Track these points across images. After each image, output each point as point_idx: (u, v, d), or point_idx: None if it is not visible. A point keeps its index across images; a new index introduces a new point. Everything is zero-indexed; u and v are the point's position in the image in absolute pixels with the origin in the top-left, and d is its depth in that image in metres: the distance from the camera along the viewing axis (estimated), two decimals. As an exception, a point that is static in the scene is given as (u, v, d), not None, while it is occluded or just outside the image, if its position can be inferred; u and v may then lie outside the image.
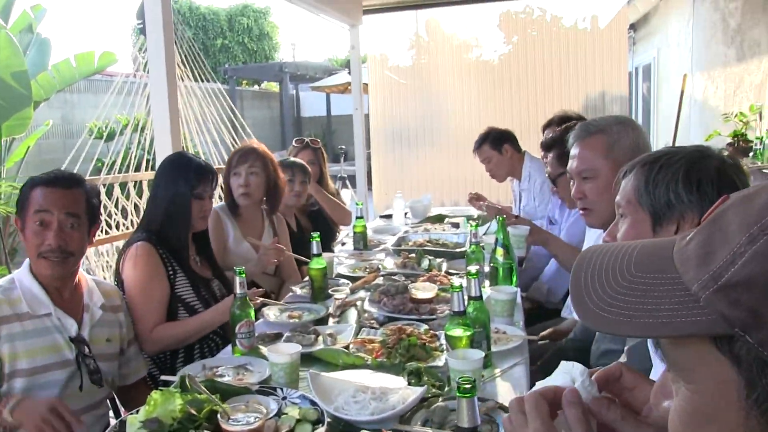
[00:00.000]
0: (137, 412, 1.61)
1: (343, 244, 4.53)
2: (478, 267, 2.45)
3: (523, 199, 4.63)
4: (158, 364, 2.65)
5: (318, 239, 2.92)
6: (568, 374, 0.94)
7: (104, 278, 5.59)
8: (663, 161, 1.45)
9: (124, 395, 2.43)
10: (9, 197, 7.09)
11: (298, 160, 4.05)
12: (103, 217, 5.88)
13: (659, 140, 8.68)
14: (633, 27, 9.98)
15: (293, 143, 4.56)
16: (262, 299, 2.67)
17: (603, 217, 2.31)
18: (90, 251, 6.01)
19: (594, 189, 2.30)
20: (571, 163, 2.35)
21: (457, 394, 1.40)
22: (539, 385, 0.94)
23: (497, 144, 4.55)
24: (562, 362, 0.99)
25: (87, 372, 2.13)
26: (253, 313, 2.25)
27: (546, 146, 3.26)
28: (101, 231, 6.00)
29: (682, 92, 6.91)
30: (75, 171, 7.34)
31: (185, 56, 7.91)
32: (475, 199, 4.64)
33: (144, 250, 2.56)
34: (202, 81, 8.23)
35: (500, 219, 2.87)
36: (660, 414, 0.82)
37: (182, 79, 7.59)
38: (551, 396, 0.89)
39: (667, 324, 0.59)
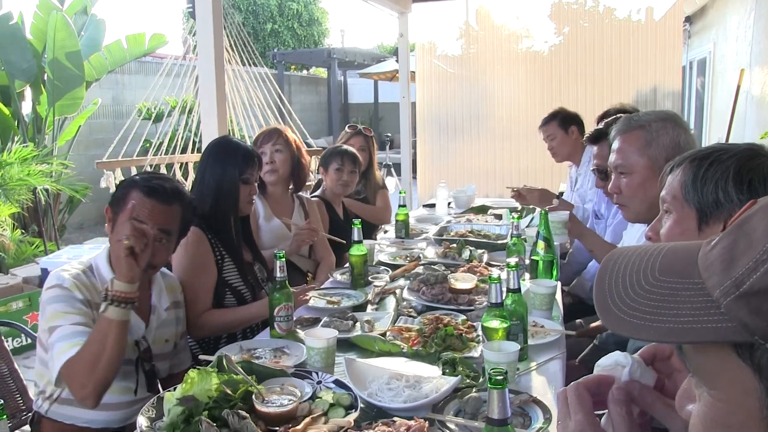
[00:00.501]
0: (174, 389, 1.64)
1: (386, 231, 4.54)
2: (518, 259, 2.43)
3: (578, 182, 4.61)
4: (201, 346, 2.67)
5: (359, 226, 2.93)
6: (618, 365, 0.94)
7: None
8: (713, 158, 1.41)
9: (165, 383, 2.40)
10: (60, 175, 7.27)
11: (349, 148, 4.04)
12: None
13: (712, 137, 8.45)
14: (689, 20, 9.71)
15: (346, 128, 4.57)
16: (312, 295, 2.68)
17: (637, 213, 2.32)
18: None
19: (628, 185, 2.26)
20: (611, 157, 2.32)
21: (489, 385, 1.39)
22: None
23: (565, 124, 4.58)
24: (601, 360, 0.98)
25: (145, 377, 2.14)
26: (292, 297, 2.27)
27: (592, 139, 3.20)
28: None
29: (739, 87, 6.69)
30: (123, 150, 7.47)
31: (234, 41, 8.00)
32: (517, 195, 4.63)
33: (195, 236, 2.56)
34: (250, 65, 8.31)
35: (543, 212, 2.84)
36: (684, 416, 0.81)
37: (230, 63, 7.67)
38: (594, 387, 0.88)
39: (687, 330, 0.58)
